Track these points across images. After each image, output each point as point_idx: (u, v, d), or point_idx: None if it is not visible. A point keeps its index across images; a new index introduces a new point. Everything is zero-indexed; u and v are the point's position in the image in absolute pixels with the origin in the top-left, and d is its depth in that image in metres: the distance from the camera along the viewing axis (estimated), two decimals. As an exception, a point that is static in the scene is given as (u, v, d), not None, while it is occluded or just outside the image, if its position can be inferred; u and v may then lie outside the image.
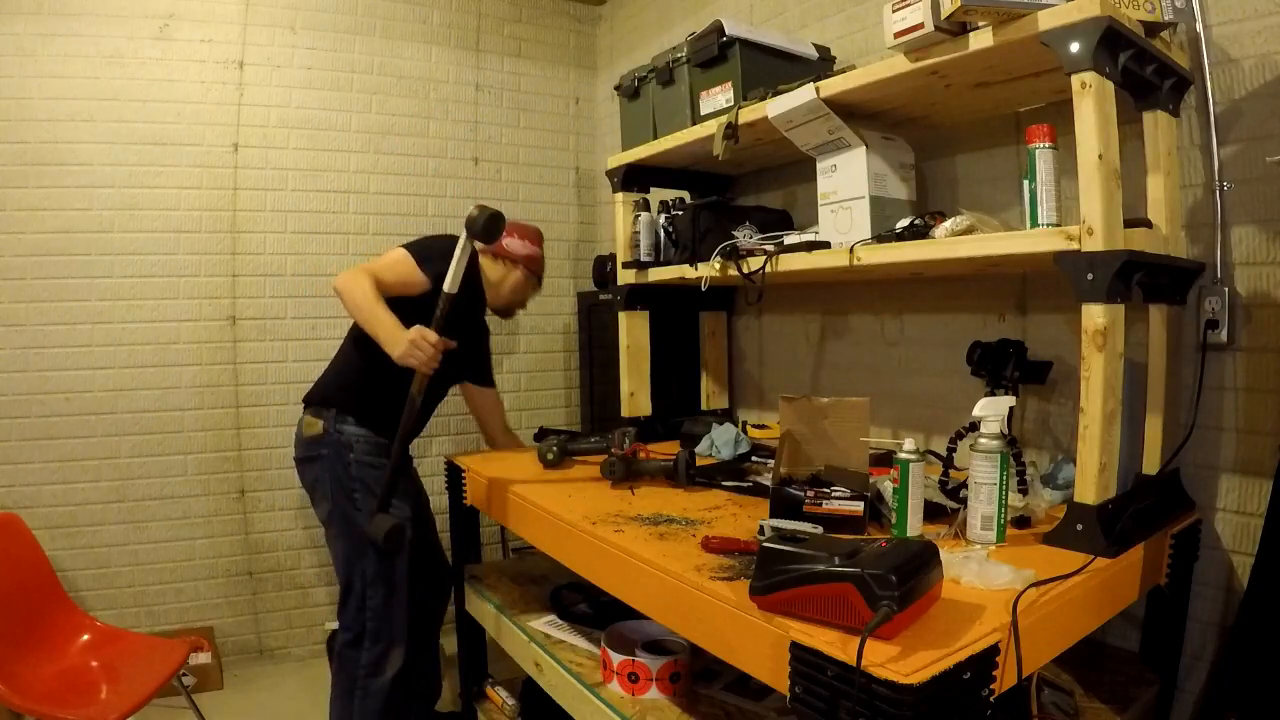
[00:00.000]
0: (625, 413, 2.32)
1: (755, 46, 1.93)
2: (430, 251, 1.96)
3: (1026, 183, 1.28)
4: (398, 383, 1.78)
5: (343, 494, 1.97)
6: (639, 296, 2.29)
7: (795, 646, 0.91)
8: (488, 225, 1.65)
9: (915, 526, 1.23)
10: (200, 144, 2.72)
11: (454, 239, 1.93)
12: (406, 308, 1.86)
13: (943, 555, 1.00)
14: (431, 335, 1.72)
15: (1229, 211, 1.42)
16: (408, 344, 1.72)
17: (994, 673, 0.90)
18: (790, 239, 1.80)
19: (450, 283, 1.69)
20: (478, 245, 1.78)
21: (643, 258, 2.20)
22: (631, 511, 1.52)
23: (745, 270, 1.78)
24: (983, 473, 1.19)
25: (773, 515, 1.34)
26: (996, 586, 1.02)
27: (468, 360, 2.21)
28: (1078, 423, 1.18)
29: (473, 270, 2.12)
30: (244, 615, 2.85)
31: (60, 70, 2.53)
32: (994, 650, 0.89)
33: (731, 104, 1.90)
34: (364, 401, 1.99)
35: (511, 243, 2.20)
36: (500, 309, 2.25)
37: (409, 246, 1.99)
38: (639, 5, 3.21)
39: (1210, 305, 1.42)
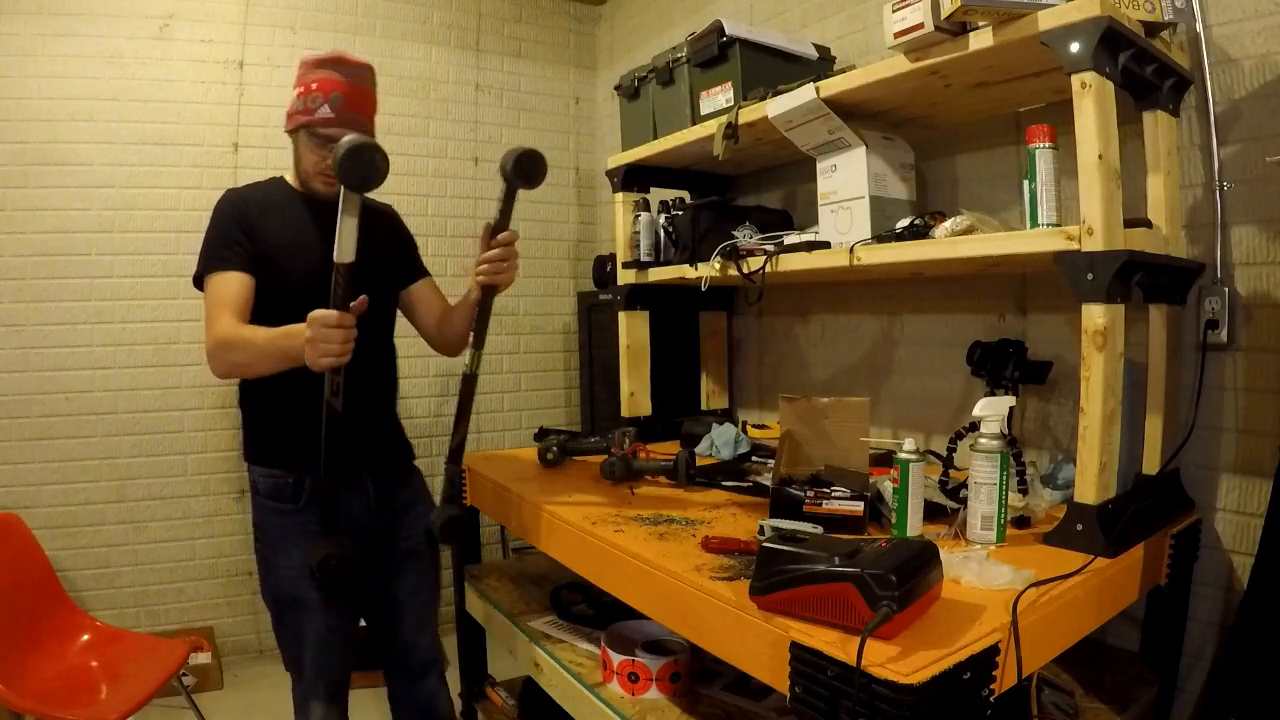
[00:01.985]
0: (625, 413, 2.32)
1: (755, 46, 1.93)
2: (207, 248, 1.52)
3: (1026, 183, 1.28)
4: (276, 394, 1.49)
5: (254, 537, 1.63)
6: (639, 296, 2.29)
7: (795, 646, 0.91)
8: (356, 166, 1.27)
9: (915, 526, 1.23)
10: (200, 144, 2.72)
11: (229, 196, 1.57)
12: (273, 307, 1.48)
13: (943, 555, 1.00)
14: (328, 314, 1.30)
15: (1229, 211, 1.42)
16: (308, 345, 1.30)
17: (994, 673, 0.90)
18: (790, 239, 1.79)
19: (341, 251, 1.32)
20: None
21: (643, 258, 2.20)
22: (631, 511, 1.52)
23: (745, 270, 1.78)
24: (983, 473, 1.19)
25: (773, 515, 1.34)
26: (996, 586, 1.02)
27: (387, 276, 1.70)
28: (1078, 423, 1.17)
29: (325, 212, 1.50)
30: (244, 615, 2.85)
31: (60, 70, 2.53)
32: (994, 650, 0.89)
33: (731, 104, 1.90)
34: (254, 433, 1.60)
35: (289, 102, 1.62)
36: (317, 193, 1.59)
37: (201, 270, 1.51)
38: (639, 5, 3.21)
39: (1210, 305, 1.42)
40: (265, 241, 1.52)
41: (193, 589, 2.76)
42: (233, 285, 1.48)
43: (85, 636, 2.16)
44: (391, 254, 1.73)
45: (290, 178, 1.67)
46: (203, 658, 2.65)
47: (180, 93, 2.68)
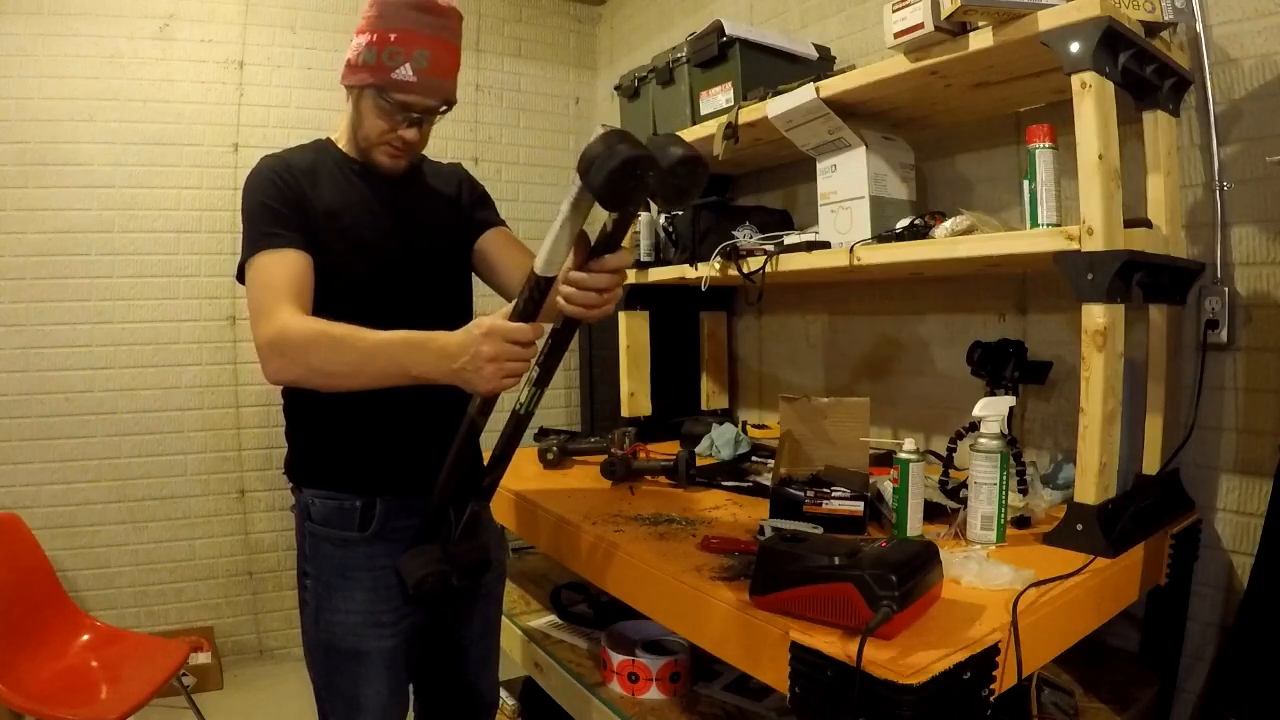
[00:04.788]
0: (625, 413, 2.32)
1: (755, 46, 1.93)
2: (251, 229, 1.20)
3: (1026, 183, 1.29)
4: (341, 400, 1.18)
5: (299, 573, 1.34)
6: (639, 296, 2.29)
7: (795, 646, 0.91)
8: (607, 164, 0.91)
9: (915, 526, 1.23)
10: (200, 144, 2.72)
11: (269, 164, 1.25)
12: (330, 295, 1.19)
13: (943, 555, 1.00)
14: (518, 328, 1.04)
15: (1229, 211, 1.42)
16: (485, 364, 1.03)
17: (994, 673, 0.90)
18: (790, 239, 1.79)
19: (545, 263, 1.05)
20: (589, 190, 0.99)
21: (643, 258, 2.20)
22: (631, 511, 1.52)
23: (745, 270, 1.78)
24: (983, 473, 1.19)
25: (773, 515, 1.34)
26: (996, 586, 1.02)
27: (459, 251, 1.40)
28: (1078, 423, 1.17)
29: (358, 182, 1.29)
30: (244, 615, 2.85)
31: (60, 70, 2.52)
32: (994, 650, 0.89)
33: (731, 104, 1.90)
34: (310, 448, 1.33)
35: (352, 48, 1.32)
36: (378, 165, 1.29)
37: (247, 255, 1.20)
38: (639, 5, 3.20)
39: (1210, 305, 1.42)
40: (317, 220, 1.22)
41: (193, 589, 2.76)
42: (292, 265, 1.16)
43: (85, 636, 2.16)
44: (461, 220, 1.40)
45: (340, 139, 1.33)
46: (203, 658, 2.65)
47: (180, 93, 2.68)
